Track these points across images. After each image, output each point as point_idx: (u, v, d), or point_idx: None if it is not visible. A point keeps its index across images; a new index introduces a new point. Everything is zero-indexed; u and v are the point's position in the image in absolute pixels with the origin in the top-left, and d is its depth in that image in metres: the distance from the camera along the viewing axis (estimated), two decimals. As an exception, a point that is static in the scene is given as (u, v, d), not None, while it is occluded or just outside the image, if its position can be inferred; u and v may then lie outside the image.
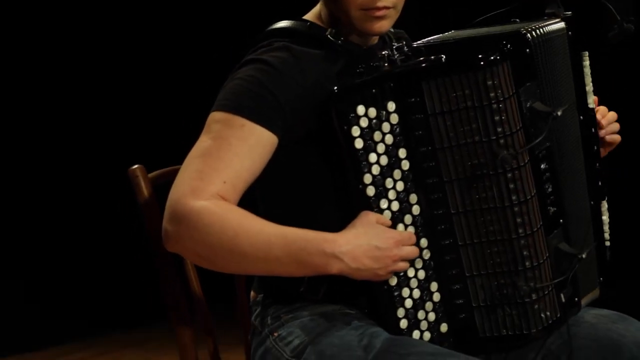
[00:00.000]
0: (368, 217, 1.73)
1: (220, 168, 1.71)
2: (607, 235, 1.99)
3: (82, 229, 5.73)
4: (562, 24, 1.89)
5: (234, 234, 1.68)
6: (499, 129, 1.74)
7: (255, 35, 1.92)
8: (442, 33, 1.95)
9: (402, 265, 1.75)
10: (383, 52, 1.82)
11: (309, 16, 1.91)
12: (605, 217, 1.99)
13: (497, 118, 1.74)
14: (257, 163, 1.75)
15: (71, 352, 4.89)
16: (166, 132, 5.84)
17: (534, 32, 1.81)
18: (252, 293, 1.96)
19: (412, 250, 1.77)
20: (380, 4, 1.81)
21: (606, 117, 2.00)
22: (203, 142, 1.74)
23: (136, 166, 2.08)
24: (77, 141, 5.74)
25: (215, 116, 1.76)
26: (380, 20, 1.83)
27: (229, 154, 1.72)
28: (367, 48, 1.90)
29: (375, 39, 1.93)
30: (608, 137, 2.01)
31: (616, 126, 2.02)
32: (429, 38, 1.91)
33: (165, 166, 2.21)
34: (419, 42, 1.89)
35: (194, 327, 2.07)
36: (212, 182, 1.70)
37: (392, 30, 1.98)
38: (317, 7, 1.91)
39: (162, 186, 2.14)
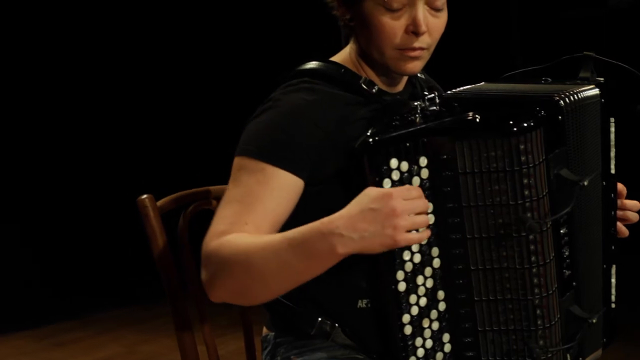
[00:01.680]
0: (364, 191, 1.65)
1: (243, 212, 1.74)
2: (613, 298, 2.03)
3: (81, 207, 5.75)
4: (596, 91, 1.92)
5: (245, 256, 1.68)
6: (526, 193, 1.77)
7: (282, 71, 1.94)
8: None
9: (417, 219, 1.64)
10: (415, 103, 1.84)
11: (340, 58, 1.92)
12: (613, 280, 2.03)
13: (525, 182, 1.77)
14: (281, 206, 1.77)
15: (69, 330, 4.90)
16: (173, 157, 5.89)
17: (567, 98, 1.83)
18: (264, 328, 1.99)
19: (416, 203, 1.64)
20: (416, 45, 1.83)
21: (629, 203, 2.03)
22: (229, 191, 1.78)
23: (145, 196, 2.13)
24: (79, 139, 5.76)
25: (238, 162, 1.80)
26: (414, 60, 1.85)
27: (251, 199, 1.75)
28: (397, 94, 1.92)
29: (404, 83, 1.95)
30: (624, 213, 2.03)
31: (636, 205, 2.04)
32: (460, 89, 1.93)
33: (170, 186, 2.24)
34: (449, 92, 1.92)
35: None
36: (235, 225, 1.73)
37: (420, 74, 2.00)
38: (347, 49, 1.93)
39: (171, 213, 2.19)
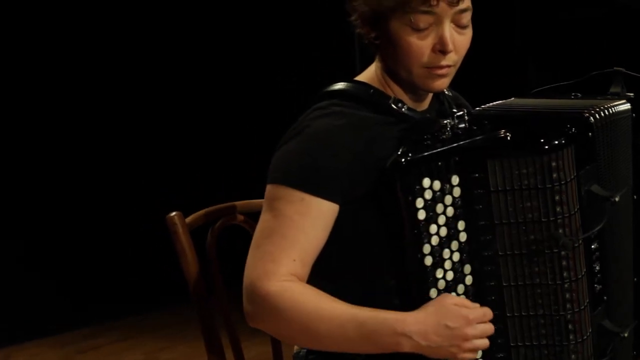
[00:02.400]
0: (444, 299, 1.76)
1: (288, 246, 1.77)
2: (642, 310, 2.04)
3: (101, 214, 5.77)
4: (627, 106, 1.93)
5: (307, 319, 1.75)
6: (558, 209, 1.78)
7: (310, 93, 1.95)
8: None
9: (479, 343, 1.76)
10: (445, 121, 1.84)
11: (366, 77, 1.93)
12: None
13: (557, 198, 1.78)
14: (321, 234, 1.80)
15: (90, 337, 4.92)
16: (200, 172, 5.93)
17: (597, 114, 1.84)
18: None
19: (486, 328, 1.77)
20: (443, 63, 1.84)
21: None
22: (267, 221, 1.80)
23: (174, 213, 2.15)
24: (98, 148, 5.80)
25: (273, 191, 1.82)
26: (442, 78, 1.86)
27: (293, 231, 1.78)
28: (424, 111, 1.93)
29: (429, 99, 1.96)
30: None
31: None
32: (489, 106, 1.94)
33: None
34: (478, 109, 1.92)
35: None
36: (283, 263, 1.77)
37: (447, 91, 2.01)
38: (372, 68, 1.93)
39: (199, 230, 2.21)
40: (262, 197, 2.33)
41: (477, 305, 1.78)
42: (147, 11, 5.92)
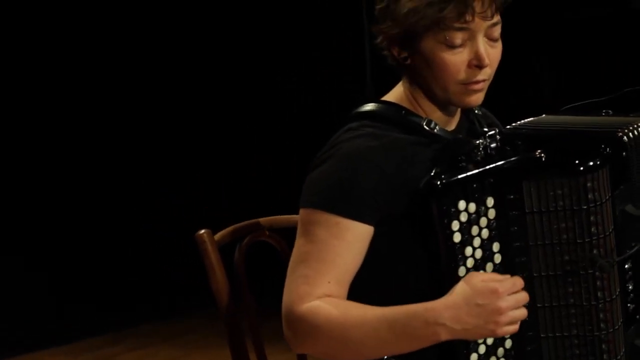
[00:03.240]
0: (470, 278, 1.73)
1: (324, 270, 1.78)
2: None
3: (121, 222, 5.78)
4: None
5: (341, 330, 1.74)
6: (593, 230, 1.78)
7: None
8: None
9: (517, 314, 1.73)
10: (478, 142, 1.84)
11: (395, 97, 1.92)
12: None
13: (592, 219, 1.78)
14: (357, 256, 1.80)
15: (103, 345, 4.90)
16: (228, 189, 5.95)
17: (630, 133, 1.83)
18: None
19: (519, 298, 1.73)
20: (479, 78, 1.84)
21: None
22: (302, 245, 1.81)
23: (203, 231, 2.17)
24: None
25: (308, 215, 1.81)
26: (478, 92, 1.86)
27: (330, 255, 1.78)
28: (455, 130, 1.93)
29: (458, 117, 1.95)
30: None
31: None
32: (520, 124, 1.93)
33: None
34: (509, 127, 1.92)
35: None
36: (318, 285, 1.77)
37: (477, 110, 2.00)
38: (400, 87, 1.93)
39: (227, 246, 2.22)
40: (287, 213, 2.36)
41: (507, 276, 1.75)
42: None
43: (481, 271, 1.80)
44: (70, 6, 5.76)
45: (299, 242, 1.82)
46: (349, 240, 1.78)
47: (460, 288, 1.73)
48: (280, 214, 2.33)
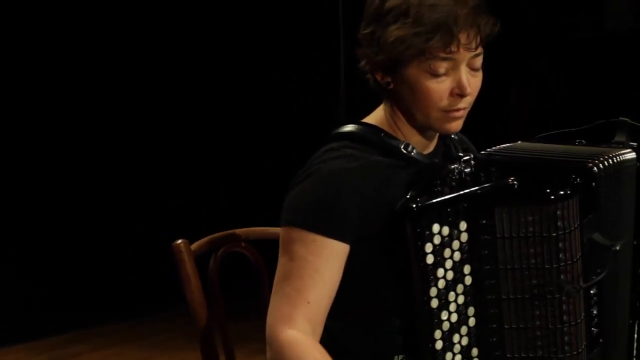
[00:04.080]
0: None
1: (303, 288, 1.83)
2: (635, 352, 2.10)
3: (82, 221, 5.78)
4: (633, 155, 1.98)
5: None
6: (561, 256, 1.84)
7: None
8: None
9: None
10: (453, 166, 1.89)
11: (375, 120, 1.97)
12: (637, 336, 2.10)
13: (560, 246, 1.84)
14: (335, 273, 1.85)
15: (70, 344, 4.91)
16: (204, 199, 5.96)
17: (600, 164, 1.89)
18: None
19: None
20: (460, 106, 1.89)
21: None
22: (283, 264, 1.86)
23: (180, 241, 2.20)
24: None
25: (287, 234, 1.87)
26: (458, 120, 1.91)
27: (309, 271, 1.83)
28: (431, 153, 1.98)
29: (435, 142, 2.00)
30: None
31: None
32: (495, 150, 1.98)
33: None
34: (483, 152, 1.97)
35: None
36: (299, 305, 1.82)
37: (453, 135, 2.05)
38: (381, 110, 1.97)
39: (203, 256, 2.26)
40: (264, 225, 2.41)
41: None
42: (149, 13, 5.94)
43: (451, 293, 1.86)
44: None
45: (280, 261, 1.88)
46: (326, 257, 1.83)
47: None
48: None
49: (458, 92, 1.87)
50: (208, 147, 6.18)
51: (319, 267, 1.83)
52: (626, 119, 2.02)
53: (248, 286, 2.27)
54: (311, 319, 1.83)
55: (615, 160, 1.92)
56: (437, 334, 1.85)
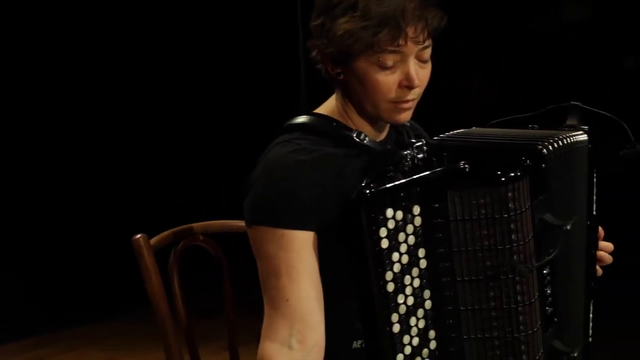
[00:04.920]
0: None
1: (282, 287, 1.86)
2: (590, 332, 2.14)
3: (39, 223, 5.75)
4: (584, 137, 2.02)
5: None
6: (513, 237, 1.87)
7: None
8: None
9: None
10: (405, 152, 1.92)
11: (327, 110, 1.99)
12: (591, 315, 2.14)
13: (512, 227, 1.87)
14: (311, 263, 1.88)
15: (34, 347, 4.90)
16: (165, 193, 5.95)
17: (550, 146, 1.92)
18: None
19: None
20: (409, 97, 1.92)
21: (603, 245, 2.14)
22: (261, 266, 1.89)
23: (139, 235, 2.22)
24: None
25: (255, 234, 1.89)
26: (407, 111, 1.94)
27: (284, 268, 1.86)
28: (383, 141, 2.01)
29: (387, 129, 2.03)
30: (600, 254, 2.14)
31: (610, 246, 2.15)
32: (446, 136, 2.02)
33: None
34: (435, 138, 2.00)
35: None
36: (278, 307, 1.87)
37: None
38: (333, 100, 2.00)
39: (163, 249, 2.28)
40: (223, 218, 2.43)
41: None
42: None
43: (407, 276, 1.88)
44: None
45: (258, 264, 1.91)
46: (297, 250, 1.86)
47: None
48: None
49: (406, 84, 1.89)
50: (166, 142, 6.18)
51: (293, 262, 1.86)
52: (577, 103, 2.05)
53: (210, 281, 2.28)
54: (290, 319, 1.86)
55: (565, 142, 1.95)
56: (394, 317, 1.88)
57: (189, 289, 2.40)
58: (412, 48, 1.87)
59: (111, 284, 5.36)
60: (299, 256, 1.86)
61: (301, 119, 1.97)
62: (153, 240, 2.27)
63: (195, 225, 2.38)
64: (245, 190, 1.92)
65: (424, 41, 1.88)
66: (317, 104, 2.06)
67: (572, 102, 2.05)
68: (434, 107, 1.98)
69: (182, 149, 6.20)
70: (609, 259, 2.13)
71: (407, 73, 1.88)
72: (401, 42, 1.85)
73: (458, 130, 2.05)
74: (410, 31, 1.85)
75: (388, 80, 1.88)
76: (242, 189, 1.93)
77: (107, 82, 6.03)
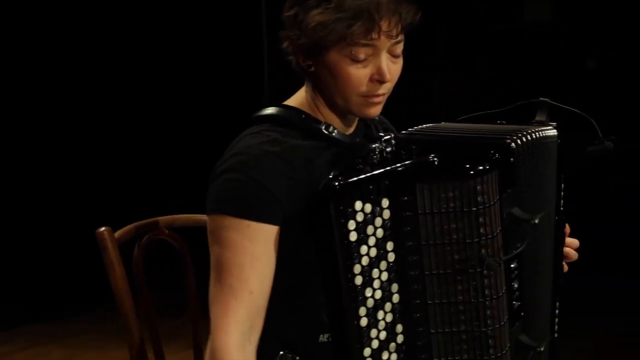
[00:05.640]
0: None
1: (246, 277, 1.84)
2: (556, 327, 2.15)
3: (5, 217, 5.69)
4: (554, 132, 2.02)
5: None
6: (482, 231, 1.87)
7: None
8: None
9: None
10: (374, 145, 1.91)
11: (296, 102, 1.98)
12: (557, 311, 2.15)
13: (481, 220, 1.86)
14: (273, 258, 1.87)
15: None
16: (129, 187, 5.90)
17: (518, 140, 1.92)
18: None
19: None
20: (380, 92, 1.91)
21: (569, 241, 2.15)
22: (220, 254, 1.85)
23: (103, 229, 2.20)
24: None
25: (219, 222, 1.86)
26: (377, 105, 1.93)
27: (248, 259, 1.84)
28: (352, 134, 2.00)
29: (356, 122, 2.02)
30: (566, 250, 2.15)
31: (575, 243, 2.16)
32: (414, 130, 2.01)
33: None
34: (404, 132, 2.00)
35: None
36: (241, 299, 1.84)
37: None
38: (302, 92, 1.99)
39: (128, 243, 2.26)
40: (188, 212, 2.41)
41: None
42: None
43: (375, 270, 1.87)
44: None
45: (214, 250, 1.87)
46: (262, 242, 1.84)
47: None
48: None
49: (378, 78, 1.89)
50: (129, 136, 6.14)
51: (258, 254, 1.84)
52: (546, 99, 2.06)
53: (175, 277, 2.26)
54: (253, 311, 1.84)
55: (534, 137, 1.95)
56: (362, 311, 1.87)
57: (155, 284, 2.38)
58: (385, 42, 1.87)
59: (74, 281, 5.31)
60: (264, 249, 1.85)
61: (270, 110, 1.95)
62: (117, 234, 2.25)
63: (160, 218, 2.37)
64: (211, 179, 1.90)
65: (397, 35, 1.87)
66: (281, 97, 2.05)
67: (540, 99, 2.06)
68: (400, 102, 1.97)
69: (152, 144, 6.16)
70: (574, 255, 2.13)
71: (379, 67, 1.88)
72: (374, 35, 1.85)
73: (426, 125, 2.04)
74: (384, 25, 1.85)
75: (359, 74, 1.87)
76: (209, 179, 1.91)
77: (71, 76, 5.97)
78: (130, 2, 6.07)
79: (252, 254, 1.84)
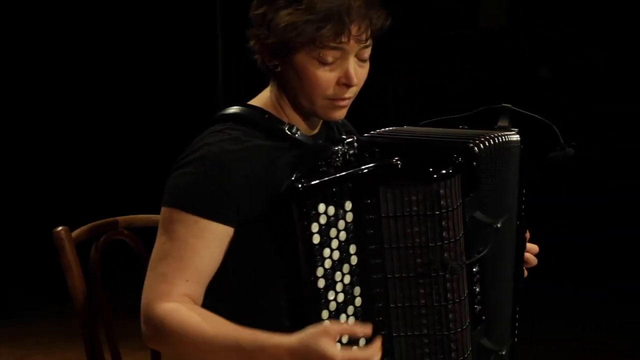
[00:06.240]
0: (321, 333, 1.71)
1: (182, 268, 1.82)
2: (516, 331, 2.16)
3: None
4: (517, 137, 2.03)
5: (192, 340, 1.79)
6: (444, 234, 1.87)
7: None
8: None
9: None
10: (336, 148, 1.91)
11: (260, 102, 1.97)
12: (517, 316, 2.15)
13: (444, 224, 1.87)
14: (215, 255, 1.85)
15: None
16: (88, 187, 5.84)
17: (481, 144, 1.93)
18: None
19: None
20: (346, 95, 1.91)
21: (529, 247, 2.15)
22: (163, 244, 1.85)
23: (60, 228, 2.17)
24: None
25: (168, 215, 1.85)
26: (343, 108, 1.93)
27: (189, 253, 1.82)
28: (315, 135, 1.99)
29: (320, 124, 2.02)
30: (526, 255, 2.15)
31: (535, 248, 2.16)
32: (377, 133, 2.01)
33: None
34: (366, 135, 1.99)
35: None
36: (177, 283, 1.82)
37: None
38: (267, 92, 1.98)
39: (86, 242, 2.23)
40: (147, 212, 2.38)
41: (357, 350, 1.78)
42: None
43: (338, 273, 1.86)
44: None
45: (160, 240, 1.86)
46: (207, 239, 1.83)
47: (309, 338, 1.71)
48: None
49: (345, 82, 1.89)
50: (89, 135, 6.09)
51: (200, 250, 1.83)
52: (508, 105, 2.07)
53: (133, 277, 2.24)
54: (190, 295, 1.83)
55: (497, 141, 1.96)
56: (324, 314, 1.86)
57: (112, 285, 2.35)
58: (353, 46, 1.86)
59: (29, 280, 5.25)
60: (207, 246, 1.84)
61: (233, 109, 1.94)
62: (75, 233, 2.22)
63: (119, 218, 2.34)
64: (170, 172, 1.89)
65: (366, 40, 1.87)
66: (236, 97, 2.04)
67: (503, 104, 2.06)
68: (355, 105, 1.97)
69: (105, 143, 6.11)
70: (534, 260, 2.14)
71: (346, 71, 1.88)
72: (344, 39, 1.84)
73: (389, 128, 2.04)
74: (354, 29, 1.85)
75: (327, 77, 1.87)
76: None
77: (22, 74, 5.91)
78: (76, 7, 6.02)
79: (194, 250, 1.83)
